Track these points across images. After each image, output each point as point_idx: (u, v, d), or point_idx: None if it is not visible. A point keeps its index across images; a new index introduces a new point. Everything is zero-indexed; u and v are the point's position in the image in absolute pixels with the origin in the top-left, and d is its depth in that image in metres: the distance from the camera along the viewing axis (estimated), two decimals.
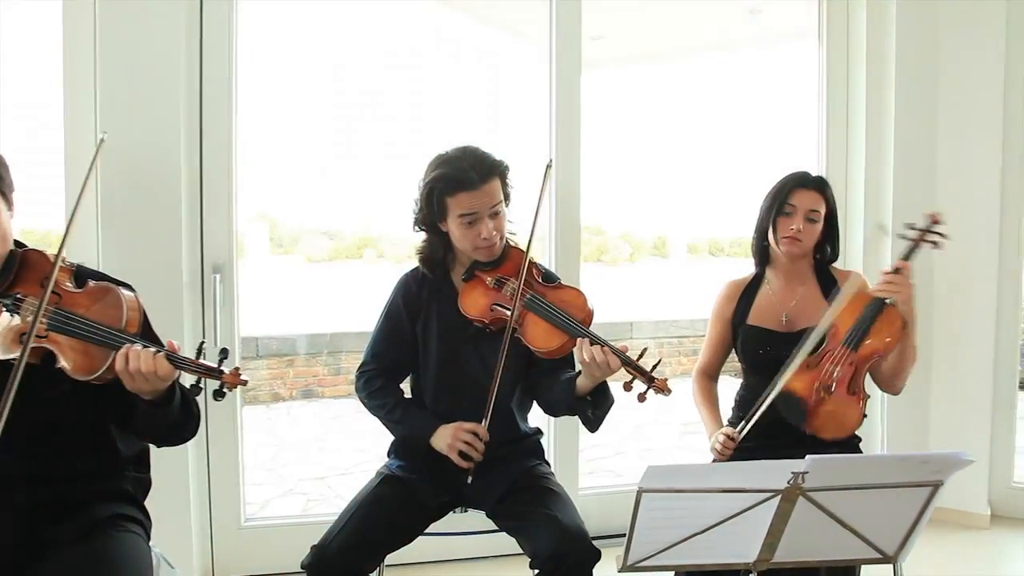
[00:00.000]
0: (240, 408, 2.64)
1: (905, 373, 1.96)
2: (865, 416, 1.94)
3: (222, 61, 2.47)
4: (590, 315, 1.80)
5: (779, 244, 2.03)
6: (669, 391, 1.69)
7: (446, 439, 1.83)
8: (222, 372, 1.40)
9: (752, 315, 2.10)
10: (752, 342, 2.08)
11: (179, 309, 2.40)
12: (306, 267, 9.78)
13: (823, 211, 2.02)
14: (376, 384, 1.96)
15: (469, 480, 1.80)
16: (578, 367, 1.81)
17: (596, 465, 4.05)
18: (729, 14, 4.31)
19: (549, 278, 1.93)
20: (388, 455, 2.02)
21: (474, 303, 1.88)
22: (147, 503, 1.67)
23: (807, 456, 1.00)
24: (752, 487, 1.04)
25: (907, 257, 1.92)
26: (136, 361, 1.36)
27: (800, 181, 2.04)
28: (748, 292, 2.14)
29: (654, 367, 1.72)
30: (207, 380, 1.42)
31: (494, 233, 1.85)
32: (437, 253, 1.93)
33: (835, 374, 1.90)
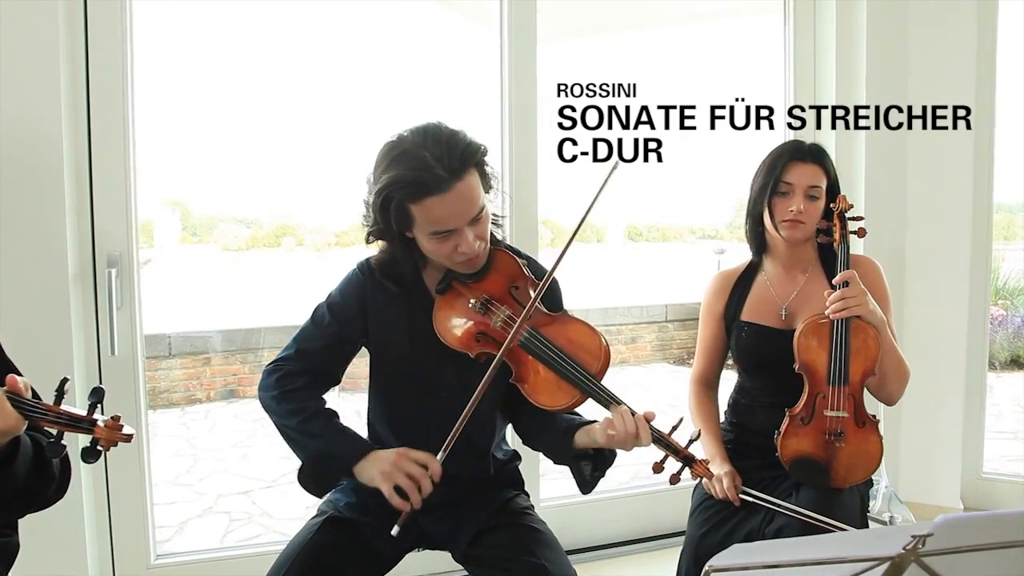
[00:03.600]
0: (145, 419, 2.23)
1: (891, 378, 1.72)
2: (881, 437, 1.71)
3: (111, 32, 2.07)
4: (606, 363, 1.40)
5: (779, 229, 1.76)
6: (711, 475, 1.40)
7: (381, 465, 1.38)
8: (94, 423, 1.01)
9: (746, 310, 1.84)
10: (746, 341, 1.82)
11: (64, 311, 1.99)
12: (221, 256, 9.22)
13: (824, 185, 1.77)
14: (295, 382, 1.49)
15: (395, 531, 1.36)
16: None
17: (547, 466, 3.78)
18: None
19: (550, 295, 1.53)
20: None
21: (453, 329, 1.47)
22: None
23: (940, 516, 0.73)
24: (854, 556, 0.77)
25: (846, 264, 1.69)
26: None
27: (795, 153, 1.77)
28: (741, 284, 1.87)
29: (690, 443, 1.40)
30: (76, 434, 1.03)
31: (476, 244, 1.41)
32: (403, 264, 1.48)
33: (839, 416, 1.65)
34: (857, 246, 2.21)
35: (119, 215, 2.11)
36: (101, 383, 2.09)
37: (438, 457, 1.39)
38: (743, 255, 1.94)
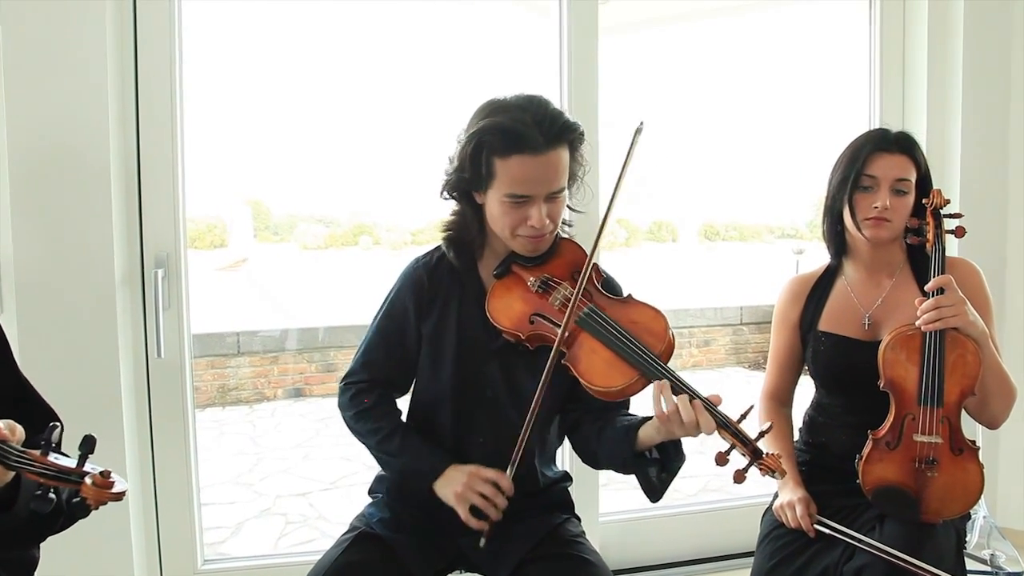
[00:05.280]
0: (192, 422, 2.19)
1: (994, 399, 1.49)
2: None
3: (160, 34, 2.04)
4: (670, 346, 1.30)
5: (861, 228, 1.56)
6: (783, 472, 1.23)
7: (455, 486, 1.35)
8: (82, 478, 0.91)
9: (824, 318, 1.65)
10: (824, 353, 1.63)
11: (111, 312, 1.96)
12: (301, 255, 9.45)
13: (914, 178, 1.57)
14: (366, 401, 1.48)
15: (482, 543, 1.35)
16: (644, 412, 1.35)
17: (609, 476, 3.60)
18: None
19: (612, 287, 1.46)
20: (370, 493, 1.58)
21: (507, 310, 1.39)
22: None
23: None
24: None
25: (941, 268, 1.47)
26: None
27: (879, 143, 1.57)
28: (818, 289, 1.69)
29: (760, 435, 1.25)
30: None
31: (546, 222, 1.35)
32: (470, 231, 1.44)
33: (931, 442, 1.44)
34: (951, 247, 1.99)
35: (167, 217, 2.08)
36: (148, 385, 2.11)
37: (508, 472, 1.34)
38: (824, 256, 1.76)
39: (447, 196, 1.44)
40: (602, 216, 1.40)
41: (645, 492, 1.36)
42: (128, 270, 2.04)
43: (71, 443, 1.32)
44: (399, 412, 1.52)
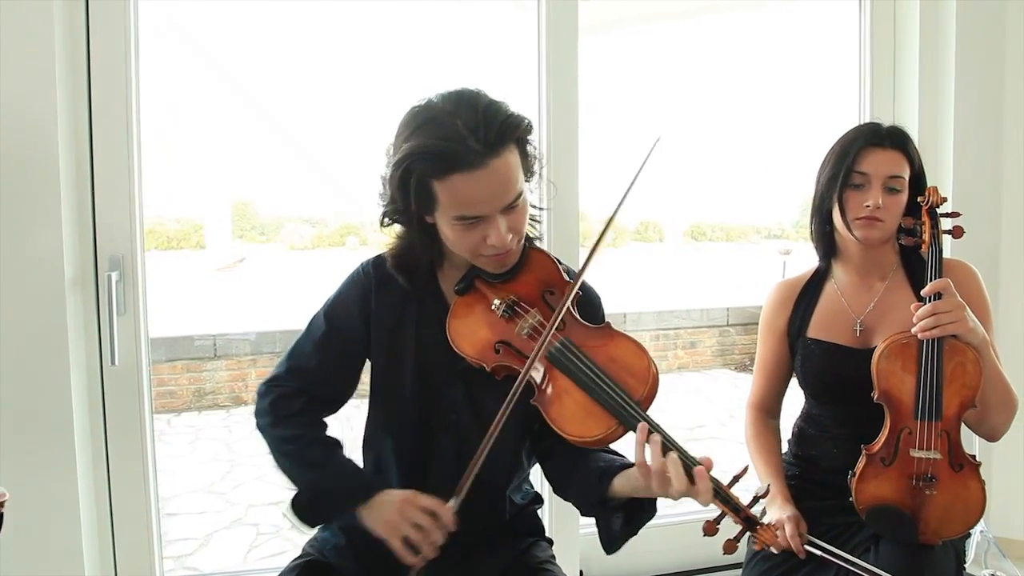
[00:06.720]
0: (151, 432, 2.06)
1: (995, 410, 1.41)
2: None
3: (115, 31, 1.93)
4: (653, 390, 1.13)
5: (851, 228, 1.48)
6: (780, 547, 1.15)
7: (387, 515, 1.19)
8: None
9: (814, 325, 1.56)
10: (814, 361, 1.54)
11: (60, 317, 1.85)
12: (288, 256, 9.37)
13: (907, 175, 1.48)
14: (291, 406, 1.29)
15: None
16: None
17: None
18: None
19: (589, 305, 1.30)
20: None
21: (469, 335, 1.24)
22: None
23: None
24: None
25: (938, 271, 1.39)
26: None
27: (870, 137, 1.48)
28: (807, 294, 1.60)
29: (754, 501, 1.13)
30: None
31: (508, 237, 1.17)
32: (420, 255, 1.27)
33: (929, 458, 1.35)
34: (946, 249, 1.91)
35: (123, 216, 1.96)
36: (103, 394, 1.99)
37: (451, 503, 1.17)
38: (812, 258, 1.67)
39: (388, 223, 1.26)
40: (601, 230, 1.24)
41: (602, 541, 1.23)
42: (80, 272, 1.92)
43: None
44: (326, 425, 1.34)
